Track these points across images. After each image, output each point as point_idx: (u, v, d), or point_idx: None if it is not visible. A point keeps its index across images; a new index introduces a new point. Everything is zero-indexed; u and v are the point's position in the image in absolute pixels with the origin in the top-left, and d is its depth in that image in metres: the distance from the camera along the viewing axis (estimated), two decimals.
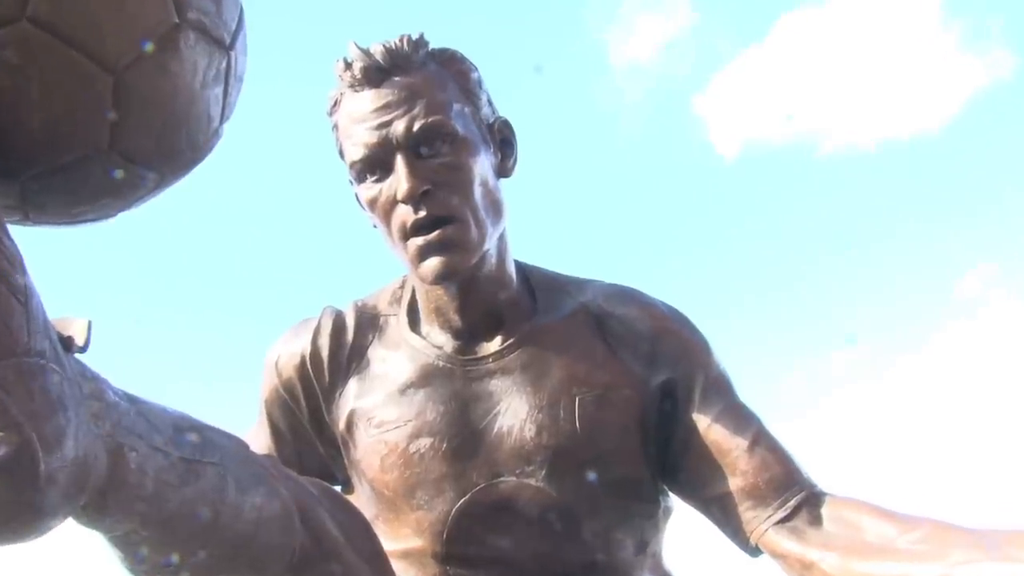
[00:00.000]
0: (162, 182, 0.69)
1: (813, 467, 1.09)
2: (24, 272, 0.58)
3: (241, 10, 0.69)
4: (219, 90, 0.68)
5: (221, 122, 0.71)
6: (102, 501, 0.65)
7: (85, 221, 0.69)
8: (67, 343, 0.63)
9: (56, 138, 0.61)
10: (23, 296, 0.57)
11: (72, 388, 0.59)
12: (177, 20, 0.62)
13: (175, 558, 0.72)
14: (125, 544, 0.70)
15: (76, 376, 0.62)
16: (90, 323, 0.66)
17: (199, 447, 0.76)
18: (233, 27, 0.68)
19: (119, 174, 0.64)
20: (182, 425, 0.76)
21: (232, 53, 0.68)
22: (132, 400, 0.71)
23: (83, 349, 0.65)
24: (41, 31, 0.58)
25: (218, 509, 0.75)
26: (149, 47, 0.61)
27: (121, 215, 0.71)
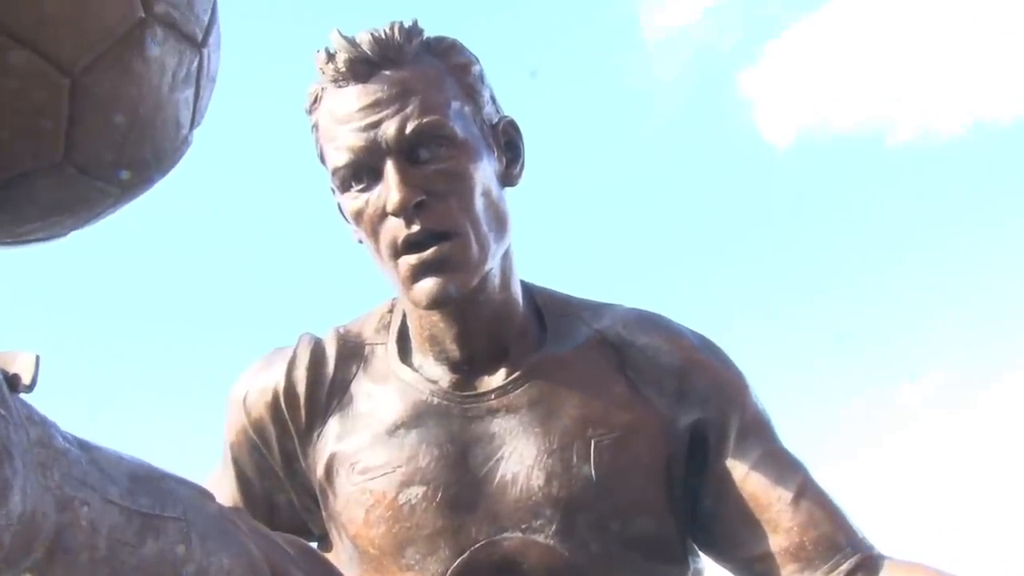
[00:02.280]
0: (123, 197, 0.70)
1: (872, 521, 1.11)
2: None
3: (214, 1, 0.71)
4: (189, 93, 0.69)
5: (191, 128, 0.72)
6: (49, 563, 0.65)
7: (33, 241, 0.70)
8: (12, 382, 0.64)
9: (3, 148, 0.62)
10: None
11: (18, 434, 0.61)
12: (143, 14, 0.63)
13: None
14: None
15: (22, 420, 0.63)
16: (38, 358, 0.67)
17: (159, 499, 0.77)
18: (205, 21, 0.69)
19: (76, 188, 0.65)
20: (139, 474, 0.77)
21: (204, 51, 0.69)
22: (83, 446, 0.72)
23: (29, 388, 0.66)
24: None
25: (181, 571, 0.76)
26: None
27: (74, 233, 0.72)
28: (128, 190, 0.70)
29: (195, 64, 0.69)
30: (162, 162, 0.71)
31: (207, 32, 0.70)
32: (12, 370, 0.65)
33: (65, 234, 0.72)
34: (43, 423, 0.67)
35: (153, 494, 0.76)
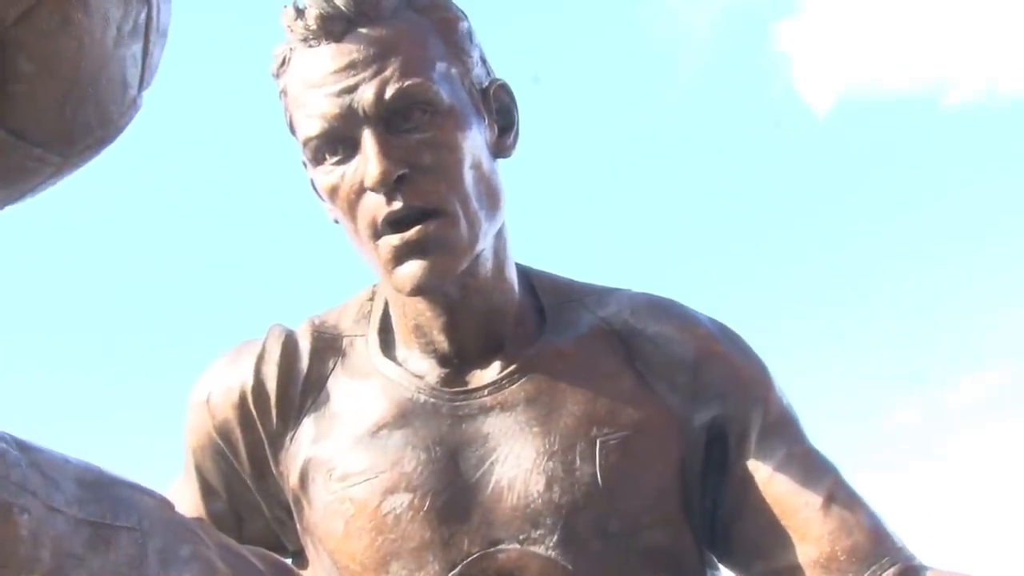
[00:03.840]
0: (64, 166, 0.69)
1: (922, 536, 1.10)
2: None
3: None
4: (137, 48, 0.68)
5: (140, 89, 0.71)
6: None
7: None
8: None
9: None
10: None
11: None
12: None
13: None
14: None
15: None
16: None
17: (110, 507, 0.76)
18: None
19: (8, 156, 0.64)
20: (88, 479, 0.76)
21: (153, 1, 0.69)
22: (23, 447, 0.71)
23: None
24: None
25: None
26: None
27: (8, 208, 0.71)
28: (70, 158, 0.69)
29: (143, 16, 0.68)
30: (107, 127, 0.70)
31: None
32: None
33: None
34: None
35: (104, 501, 0.76)
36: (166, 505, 0.85)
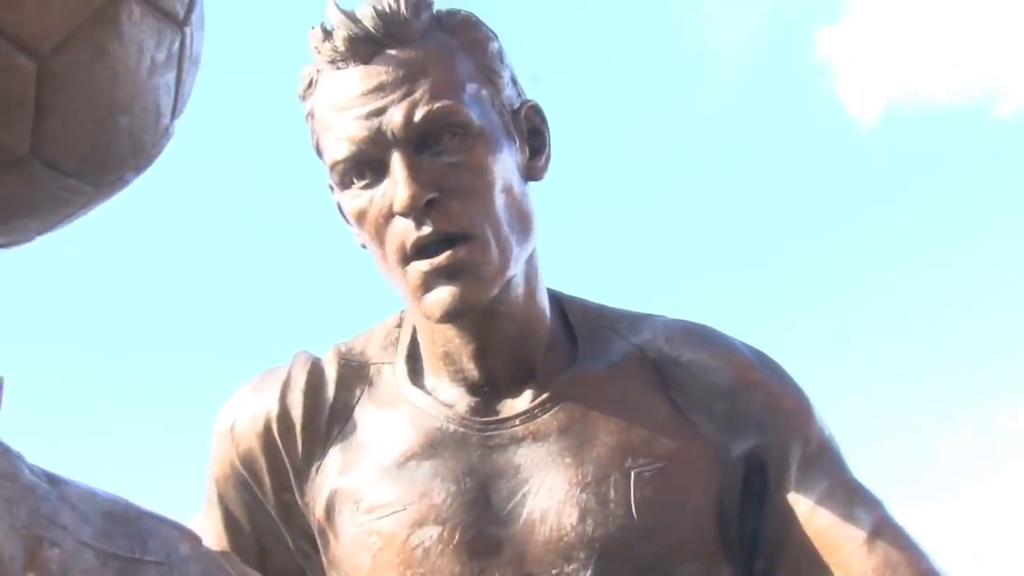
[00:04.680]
0: (97, 196, 0.71)
1: (976, 572, 1.10)
2: None
3: None
4: (171, 77, 0.71)
5: (172, 118, 0.73)
6: None
7: None
8: None
9: None
10: None
11: None
12: None
13: None
14: None
15: None
16: (1, 380, 0.69)
17: (138, 541, 0.78)
18: None
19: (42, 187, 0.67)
20: (115, 512, 0.78)
21: (187, 29, 0.71)
22: (53, 481, 0.73)
23: None
24: None
25: None
26: None
27: (41, 238, 0.74)
28: (102, 188, 0.72)
29: (176, 44, 0.71)
30: (140, 156, 0.72)
31: (189, 8, 0.72)
32: None
33: (31, 239, 0.73)
34: (7, 453, 0.68)
35: (131, 535, 0.78)
36: (193, 539, 0.86)
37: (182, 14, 0.71)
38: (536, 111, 1.22)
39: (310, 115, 1.17)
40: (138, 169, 0.73)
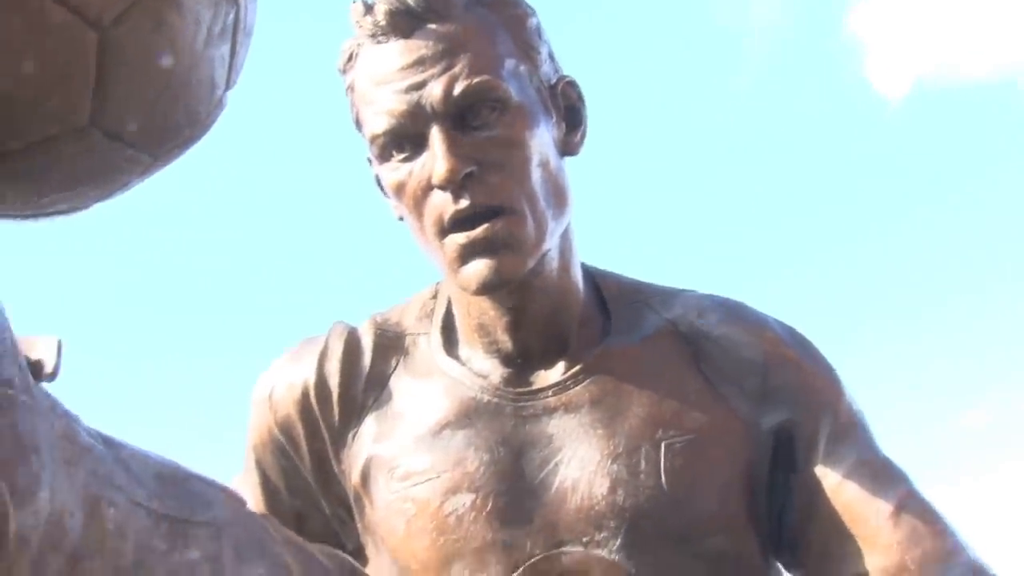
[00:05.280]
0: (153, 165, 0.72)
1: (983, 543, 1.11)
2: None
3: None
4: (225, 49, 0.71)
5: (226, 89, 0.74)
6: (72, 570, 0.68)
7: (54, 214, 0.73)
8: (34, 369, 0.66)
9: (25, 111, 0.64)
10: None
11: (44, 426, 0.63)
12: None
13: None
14: None
15: (47, 411, 0.65)
16: (60, 343, 0.69)
17: (188, 502, 0.79)
18: None
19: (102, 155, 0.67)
20: (166, 474, 0.79)
21: (241, 2, 0.71)
22: (108, 443, 0.74)
23: (52, 377, 0.68)
24: None
25: None
26: None
27: (97, 204, 0.74)
28: (159, 157, 0.72)
29: (231, 16, 0.71)
30: (195, 126, 0.73)
31: None
32: (33, 356, 0.67)
33: (88, 206, 0.74)
34: (67, 416, 0.69)
35: (181, 497, 0.79)
36: (238, 501, 0.87)
37: None
38: (572, 87, 1.22)
39: (350, 88, 1.17)
40: (192, 139, 0.74)
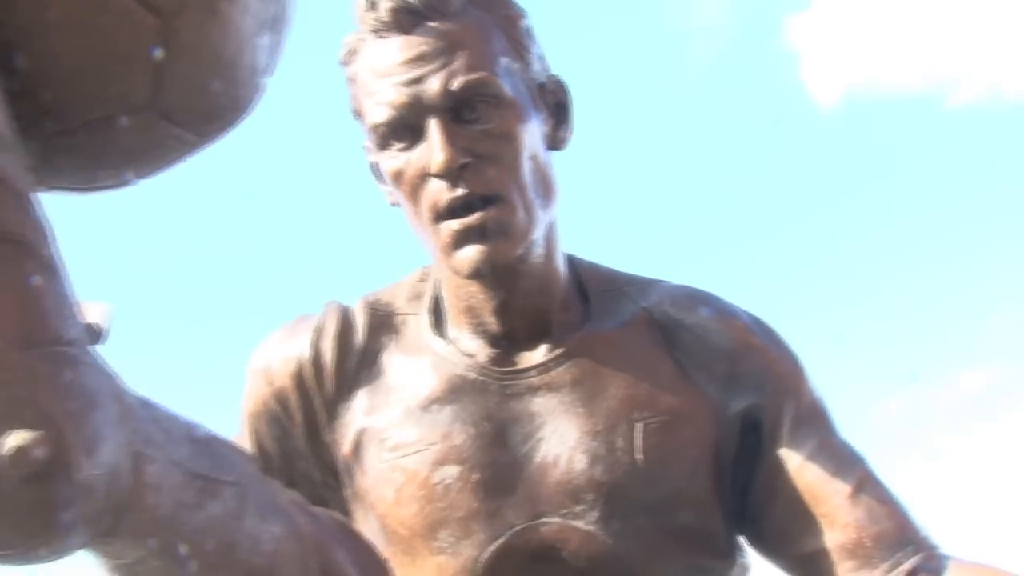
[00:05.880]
0: (198, 144, 0.75)
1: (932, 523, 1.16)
2: (54, 245, 0.64)
3: None
4: (269, 38, 0.75)
5: (266, 75, 0.77)
6: (118, 521, 0.71)
7: (103, 188, 0.76)
8: (89, 332, 0.69)
9: (89, 90, 0.67)
10: (53, 273, 0.63)
11: (103, 383, 0.66)
12: None
13: None
14: (131, 575, 0.77)
15: (102, 371, 0.68)
16: (111, 310, 0.73)
17: (216, 463, 0.82)
18: None
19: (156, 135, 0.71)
20: (196, 436, 0.82)
21: None
22: (145, 404, 0.77)
23: (103, 340, 0.71)
24: None
25: (235, 538, 0.82)
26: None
27: (141, 181, 0.78)
28: (204, 137, 0.75)
29: (275, 7, 0.75)
30: (239, 109, 0.76)
31: None
32: (88, 320, 0.70)
33: (134, 183, 0.77)
34: (115, 377, 0.72)
35: (210, 456, 0.82)
36: (255, 463, 0.91)
37: None
38: (560, 86, 1.26)
39: (351, 80, 1.21)
40: (235, 122, 0.77)
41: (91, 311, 0.71)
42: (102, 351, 0.73)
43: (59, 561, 0.68)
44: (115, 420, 0.67)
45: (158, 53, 0.67)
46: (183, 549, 0.78)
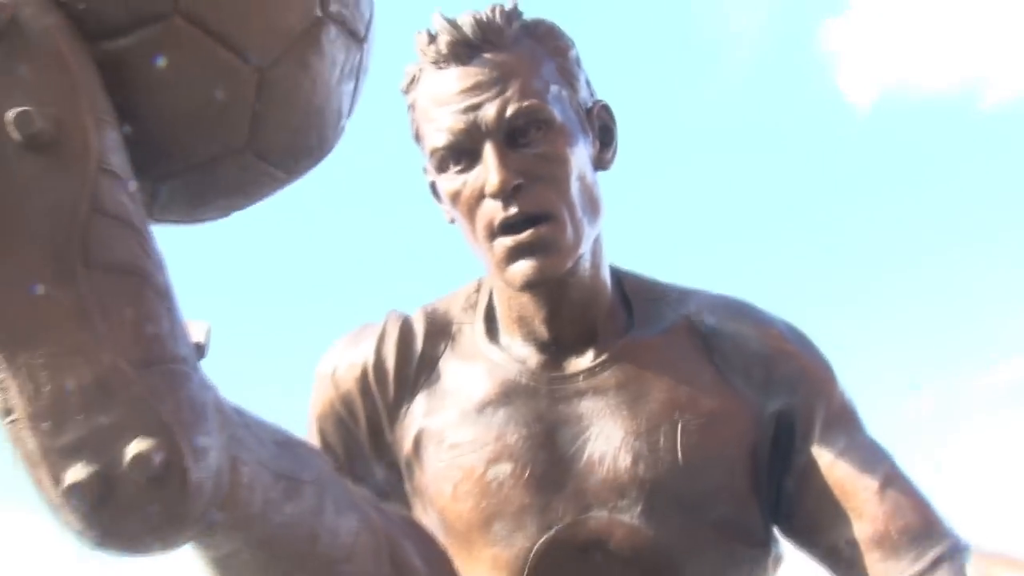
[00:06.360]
0: (286, 181, 0.83)
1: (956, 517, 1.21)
2: (167, 273, 0.72)
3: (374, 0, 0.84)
4: (351, 85, 0.82)
5: (348, 118, 0.85)
6: (219, 517, 0.79)
7: (204, 221, 0.84)
8: (196, 349, 0.77)
9: (197, 135, 0.75)
10: (168, 299, 0.71)
11: (207, 396, 0.74)
12: (320, 13, 0.77)
13: None
14: (225, 566, 0.84)
15: (206, 385, 0.76)
16: (210, 328, 0.80)
17: (297, 463, 0.90)
18: (368, 18, 0.82)
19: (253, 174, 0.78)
20: (280, 439, 0.90)
21: (365, 46, 0.82)
22: (238, 411, 0.85)
23: (204, 355, 0.79)
24: (192, 26, 0.72)
25: (317, 531, 0.89)
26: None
27: (235, 213, 0.85)
28: (293, 174, 0.83)
29: (357, 58, 0.82)
30: (323, 149, 0.84)
31: (368, 28, 0.83)
32: (192, 339, 0.78)
33: (229, 215, 0.85)
34: (215, 389, 0.80)
35: (292, 458, 0.89)
36: (330, 463, 0.98)
37: (363, 33, 0.82)
38: (606, 110, 1.33)
39: (411, 107, 1.28)
40: (320, 160, 0.85)
41: (194, 329, 0.79)
42: (203, 365, 0.81)
43: (168, 554, 0.76)
44: (217, 428, 0.74)
45: (256, 103, 0.75)
46: (271, 542, 0.85)
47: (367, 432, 1.34)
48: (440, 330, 1.36)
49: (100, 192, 0.68)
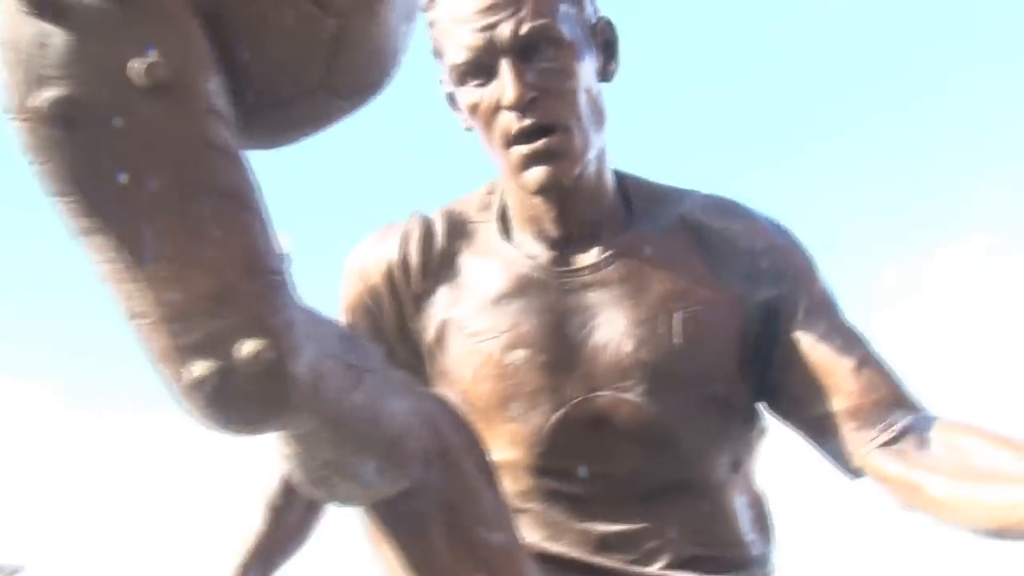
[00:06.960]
0: (351, 112, 0.93)
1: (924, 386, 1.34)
2: (262, 195, 0.82)
3: None
4: (408, 27, 0.91)
5: (404, 54, 0.94)
6: (311, 401, 0.90)
7: (280, 146, 0.93)
8: (285, 259, 0.87)
9: (280, 77, 0.84)
10: (263, 218, 0.81)
11: (296, 300, 0.85)
12: None
13: (346, 456, 0.98)
14: (306, 441, 0.96)
15: (293, 291, 0.87)
16: (291, 238, 0.91)
17: (360, 355, 1.01)
18: None
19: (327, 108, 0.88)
20: (343, 334, 1.01)
21: None
22: (310, 311, 0.96)
23: (290, 264, 0.89)
24: None
25: (378, 414, 1.01)
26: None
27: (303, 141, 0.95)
28: (356, 106, 0.93)
29: (412, 3, 0.91)
30: (382, 84, 0.93)
31: None
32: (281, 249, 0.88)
33: (298, 142, 0.95)
34: (297, 292, 0.91)
35: (355, 350, 1.00)
36: (382, 354, 1.10)
37: None
38: (609, 25, 1.42)
39: (431, 24, 1.36)
40: (379, 92, 0.94)
41: (280, 240, 0.89)
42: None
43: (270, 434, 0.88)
44: (305, 328, 0.85)
45: (332, 47, 0.84)
46: (343, 423, 0.97)
47: (393, 321, 1.45)
48: (458, 229, 1.46)
49: (208, 129, 0.78)
